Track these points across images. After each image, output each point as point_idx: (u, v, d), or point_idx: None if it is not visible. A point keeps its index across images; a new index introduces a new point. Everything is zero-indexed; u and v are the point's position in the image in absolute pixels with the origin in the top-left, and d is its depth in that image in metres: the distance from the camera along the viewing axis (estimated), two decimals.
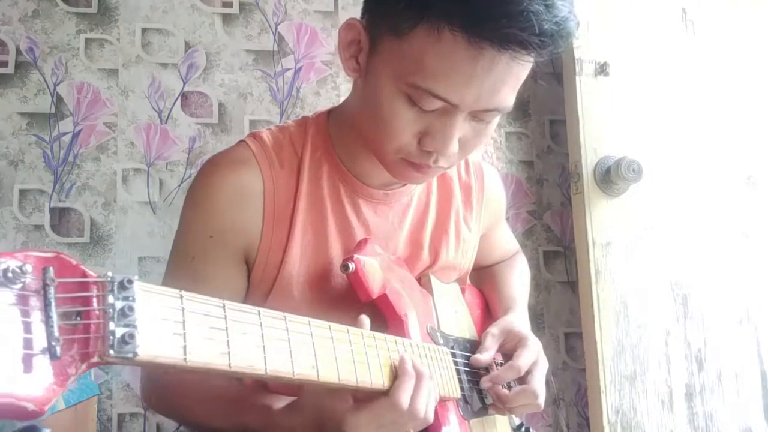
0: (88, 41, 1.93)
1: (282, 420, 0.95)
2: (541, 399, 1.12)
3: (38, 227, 1.83)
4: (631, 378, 1.87)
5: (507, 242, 1.52)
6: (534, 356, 1.14)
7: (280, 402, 0.98)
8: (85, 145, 1.89)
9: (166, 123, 1.94)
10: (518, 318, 1.27)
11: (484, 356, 1.12)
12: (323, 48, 2.05)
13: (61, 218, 1.85)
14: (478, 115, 0.95)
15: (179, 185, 1.92)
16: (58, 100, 1.89)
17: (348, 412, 0.86)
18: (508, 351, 1.16)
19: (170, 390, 1.10)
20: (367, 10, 0.99)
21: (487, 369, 1.13)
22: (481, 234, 1.36)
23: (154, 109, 1.94)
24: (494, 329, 1.18)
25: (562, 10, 0.86)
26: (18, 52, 1.89)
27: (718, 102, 2.07)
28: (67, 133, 1.88)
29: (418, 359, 0.94)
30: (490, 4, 0.83)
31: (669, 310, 1.94)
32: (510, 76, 0.91)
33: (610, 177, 1.89)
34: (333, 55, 2.06)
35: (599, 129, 1.94)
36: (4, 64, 1.88)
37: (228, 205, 1.06)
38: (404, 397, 0.86)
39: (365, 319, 0.89)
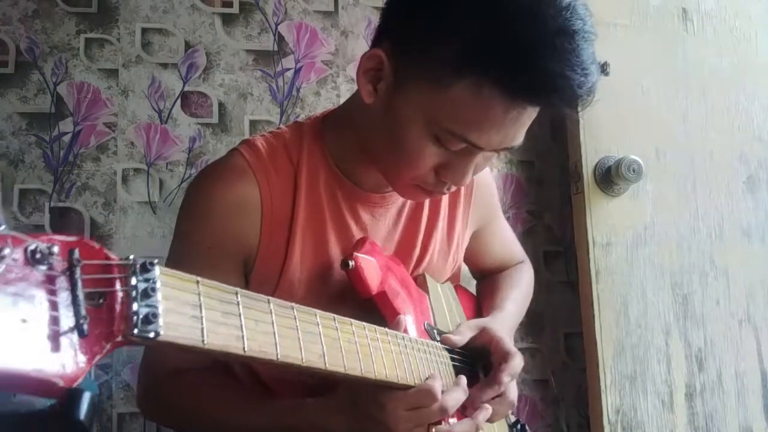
0: (88, 41, 1.93)
1: (317, 406, 0.98)
2: (512, 395, 1.12)
3: (38, 227, 1.83)
4: (631, 378, 1.87)
5: (509, 243, 1.51)
6: (507, 375, 1.12)
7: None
8: (85, 145, 1.89)
9: (166, 123, 1.94)
10: (496, 321, 1.25)
11: (456, 338, 1.12)
12: (323, 48, 2.05)
13: (61, 218, 1.85)
14: (493, 150, 0.99)
15: (179, 185, 1.92)
16: (58, 100, 1.89)
17: (384, 390, 0.90)
18: (478, 348, 1.15)
19: (169, 393, 1.11)
20: (394, 44, 0.98)
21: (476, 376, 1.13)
22: (474, 229, 1.36)
23: (154, 109, 1.94)
24: (471, 322, 1.19)
25: (594, 74, 0.91)
26: (18, 52, 1.89)
27: (718, 102, 2.07)
28: (67, 133, 1.88)
29: (417, 354, 0.97)
30: (535, 73, 0.87)
31: (669, 310, 1.94)
32: (530, 119, 0.97)
33: (610, 177, 1.89)
34: (333, 55, 2.06)
35: (599, 129, 1.94)
36: (4, 64, 1.88)
37: (226, 216, 1.07)
38: (438, 386, 0.92)
39: None
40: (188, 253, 1.09)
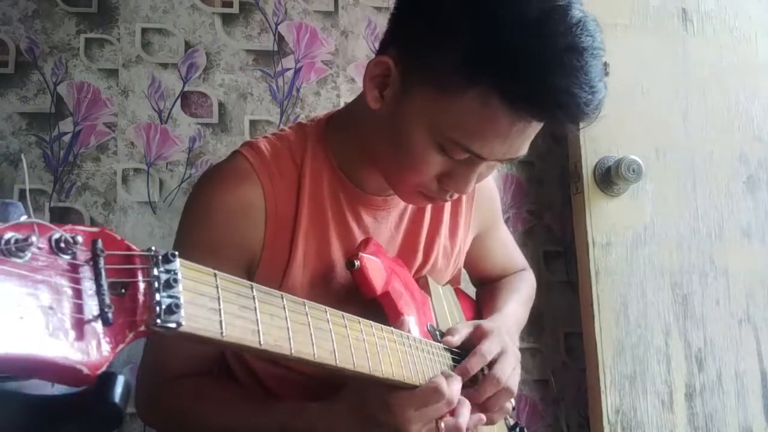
0: (88, 41, 1.93)
1: (320, 410, 0.98)
2: (512, 386, 1.09)
3: None
4: (631, 378, 1.88)
5: (510, 250, 1.50)
6: (497, 347, 1.11)
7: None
8: (85, 145, 1.88)
9: (166, 123, 1.93)
10: (495, 321, 1.24)
11: (452, 338, 1.11)
12: (323, 48, 2.05)
13: (61, 218, 1.84)
14: (497, 160, 1.00)
15: (179, 185, 1.91)
16: (58, 100, 1.89)
17: (389, 391, 0.91)
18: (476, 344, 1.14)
19: (169, 397, 1.11)
20: (401, 51, 0.98)
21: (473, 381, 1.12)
22: (476, 233, 1.36)
23: (154, 109, 1.93)
24: (468, 322, 1.19)
25: (601, 91, 0.90)
26: (18, 52, 1.88)
27: (718, 102, 2.07)
28: (67, 133, 1.88)
29: (422, 354, 0.97)
30: (542, 89, 0.87)
31: (669, 310, 1.94)
32: (535, 132, 0.97)
33: (610, 177, 1.90)
34: (333, 55, 2.06)
35: (599, 129, 1.94)
36: (4, 64, 1.87)
37: (230, 220, 1.06)
38: (443, 383, 0.92)
39: None
40: (191, 256, 1.08)
